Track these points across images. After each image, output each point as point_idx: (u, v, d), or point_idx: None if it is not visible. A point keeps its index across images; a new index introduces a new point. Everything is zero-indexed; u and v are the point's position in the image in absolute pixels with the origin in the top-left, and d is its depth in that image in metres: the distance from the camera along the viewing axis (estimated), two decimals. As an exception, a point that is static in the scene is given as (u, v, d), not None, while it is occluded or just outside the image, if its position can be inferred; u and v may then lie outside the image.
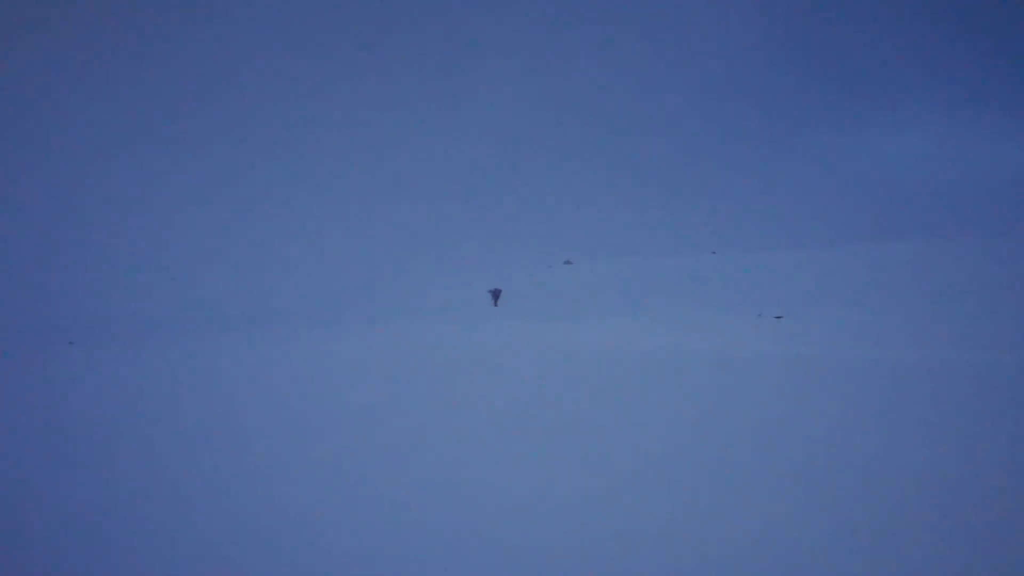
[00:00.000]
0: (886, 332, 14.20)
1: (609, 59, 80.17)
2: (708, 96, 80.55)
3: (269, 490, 5.43)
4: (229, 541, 4.52)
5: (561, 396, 8.83)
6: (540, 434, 6.86)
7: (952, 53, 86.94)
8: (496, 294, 30.15)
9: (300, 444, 6.79)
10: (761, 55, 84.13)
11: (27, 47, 61.67)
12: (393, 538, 4.46)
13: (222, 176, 58.75)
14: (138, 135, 60.27)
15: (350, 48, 74.07)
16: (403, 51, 75.44)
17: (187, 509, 5.08)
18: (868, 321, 16.01)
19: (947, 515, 4.49)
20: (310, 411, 8.41)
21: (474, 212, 58.87)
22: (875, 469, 5.40)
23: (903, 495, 4.85)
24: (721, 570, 3.93)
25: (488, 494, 5.19)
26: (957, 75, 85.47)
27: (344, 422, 7.75)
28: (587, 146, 71.66)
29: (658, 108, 77.83)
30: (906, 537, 4.21)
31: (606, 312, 22.86)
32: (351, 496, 5.24)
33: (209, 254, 46.25)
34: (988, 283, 23.30)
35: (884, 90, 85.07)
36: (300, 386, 10.38)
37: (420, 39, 76.50)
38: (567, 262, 45.39)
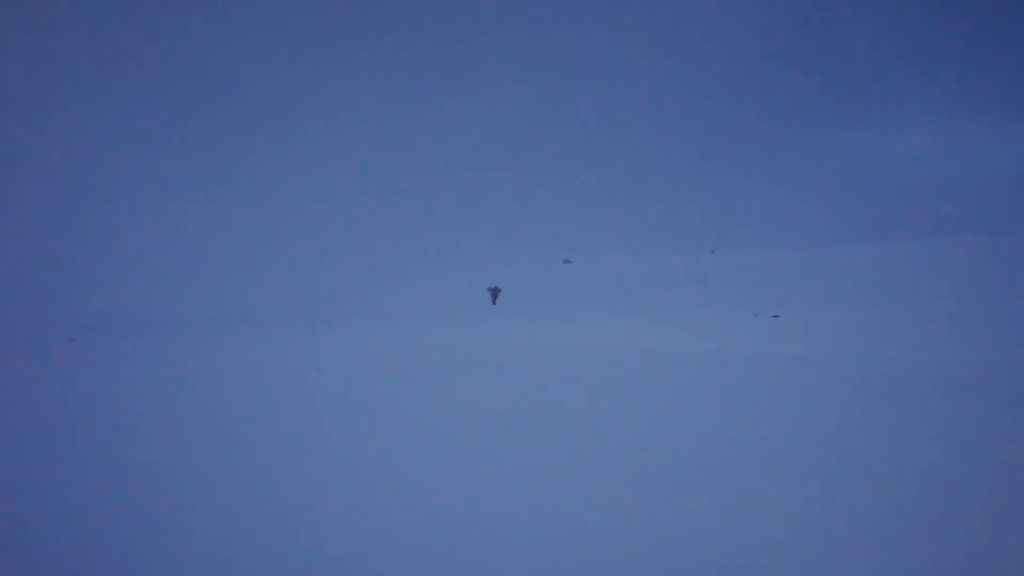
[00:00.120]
0: (884, 332, 14.20)
1: (609, 58, 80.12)
2: (707, 95, 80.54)
3: (268, 488, 5.43)
4: (229, 540, 4.51)
5: (560, 394, 8.83)
6: (539, 433, 6.86)
7: (952, 53, 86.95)
8: (495, 293, 30.14)
9: (300, 442, 6.79)
10: (761, 55, 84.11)
11: (27, 46, 61.63)
12: (393, 538, 4.46)
13: (222, 174, 58.71)
14: (137, 134, 60.24)
15: (350, 46, 74.03)
16: (403, 49, 75.40)
17: (186, 508, 5.08)
18: (866, 320, 16.01)
19: (947, 515, 4.48)
20: (309, 409, 8.41)
21: (473, 211, 58.84)
22: (874, 469, 5.40)
23: (902, 495, 4.84)
24: (720, 570, 3.93)
25: (487, 493, 5.18)
26: (957, 75, 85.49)
27: (343, 420, 7.74)
28: (587, 145, 71.64)
29: (657, 107, 77.80)
30: (905, 536, 4.20)
31: (605, 311, 22.86)
32: (351, 495, 5.24)
33: (209, 252, 46.22)
34: (988, 283, 23.32)
35: (884, 90, 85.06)
36: (299, 384, 10.38)
37: (420, 38, 76.46)
38: (566, 261, 45.38)
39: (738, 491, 5.03)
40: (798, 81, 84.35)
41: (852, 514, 4.54)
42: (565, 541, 4.32)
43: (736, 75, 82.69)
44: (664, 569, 3.95)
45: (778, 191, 66.41)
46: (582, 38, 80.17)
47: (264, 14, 73.16)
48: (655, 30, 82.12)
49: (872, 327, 14.90)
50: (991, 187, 63.68)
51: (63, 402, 9.44)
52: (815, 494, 4.92)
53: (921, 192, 64.91)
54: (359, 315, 26.47)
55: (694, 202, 63.57)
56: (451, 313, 25.88)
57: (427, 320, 22.16)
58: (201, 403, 8.98)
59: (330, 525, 4.68)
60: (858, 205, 62.39)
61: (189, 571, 4.11)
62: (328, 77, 71.51)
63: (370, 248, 49.68)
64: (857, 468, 5.43)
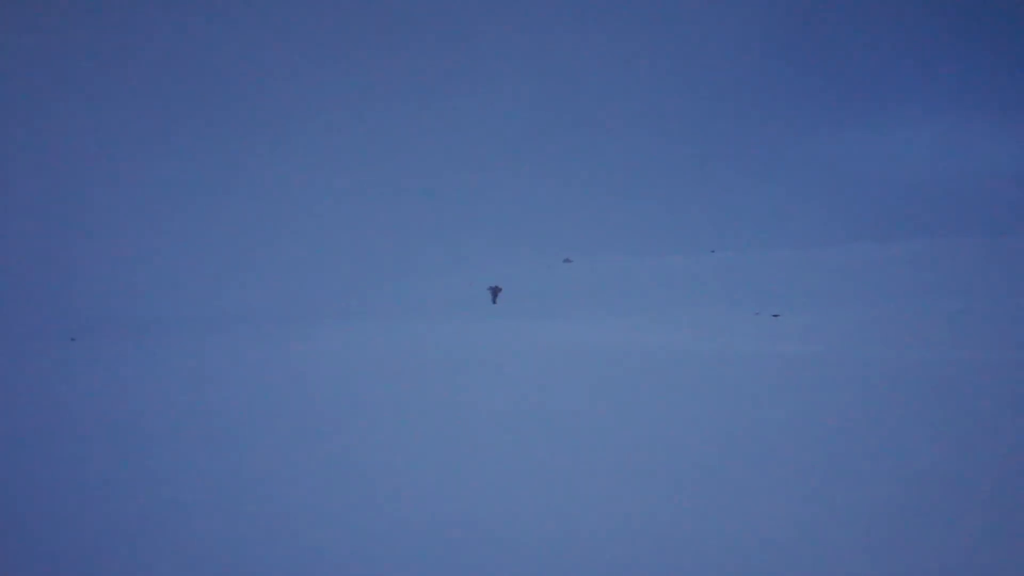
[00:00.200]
0: (884, 331, 14.21)
1: (609, 57, 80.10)
2: (707, 95, 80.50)
3: (269, 488, 5.43)
4: (229, 539, 4.51)
5: (560, 394, 8.84)
6: (539, 432, 6.86)
7: (952, 53, 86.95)
8: (495, 292, 30.14)
9: (300, 442, 6.79)
10: (761, 55, 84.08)
11: (27, 45, 61.62)
12: (393, 537, 4.46)
13: (222, 174, 58.70)
14: (137, 134, 60.22)
15: (350, 46, 74.00)
16: (403, 48, 75.37)
17: (186, 506, 5.08)
18: (865, 320, 16.02)
19: (947, 514, 4.49)
20: (309, 408, 8.42)
21: (473, 210, 58.82)
22: (873, 468, 5.40)
23: (902, 494, 4.85)
24: (720, 570, 3.93)
25: (487, 493, 5.19)
26: (957, 75, 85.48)
27: (343, 420, 7.75)
28: (586, 144, 71.61)
29: (657, 106, 77.78)
30: (905, 536, 4.21)
31: (605, 310, 22.87)
32: (351, 494, 5.24)
33: (210, 251, 46.22)
34: (988, 283, 23.31)
35: (884, 90, 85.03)
36: (299, 383, 10.38)
37: (420, 37, 76.44)
38: (566, 260, 45.40)
39: (738, 491, 5.03)
40: (798, 81, 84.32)
41: (852, 514, 4.55)
42: (565, 541, 4.32)
43: (736, 75, 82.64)
44: (664, 569, 3.96)
45: (778, 191, 66.35)
46: (582, 38, 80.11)
47: (264, 14, 73.11)
48: (655, 30, 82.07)
49: (872, 327, 14.91)
50: (991, 187, 63.63)
51: (65, 400, 9.45)
52: (815, 493, 4.92)
53: (921, 192, 64.86)
54: (359, 315, 26.47)
55: (694, 202, 63.53)
56: (451, 312, 25.90)
57: (427, 320, 22.18)
58: (202, 402, 8.98)
59: (331, 524, 4.68)
60: (858, 205, 62.35)
61: (189, 571, 4.11)
62: (328, 77, 71.47)
63: (370, 248, 49.67)
64: (857, 468, 5.43)
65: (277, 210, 55.43)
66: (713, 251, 44.19)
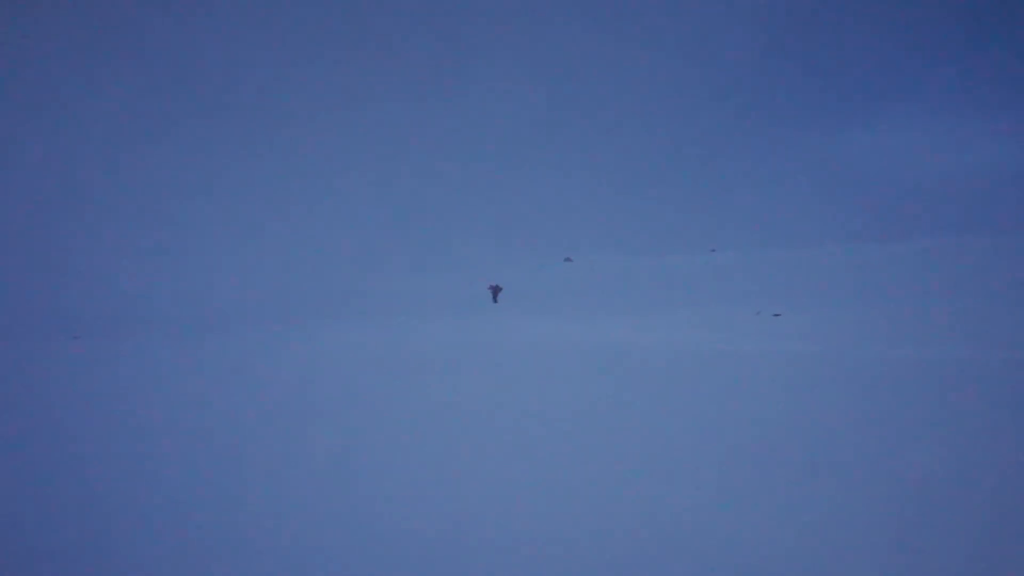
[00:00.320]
0: (884, 330, 14.21)
1: (609, 57, 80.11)
2: (708, 95, 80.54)
3: (268, 485, 5.44)
4: (228, 536, 4.52)
5: (560, 392, 8.84)
6: (539, 430, 6.87)
7: (952, 53, 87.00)
8: (496, 291, 30.15)
9: (300, 439, 6.80)
10: (761, 55, 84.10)
11: (27, 46, 61.62)
12: (392, 535, 4.47)
13: (223, 173, 58.74)
14: (138, 133, 60.25)
15: (350, 45, 74.03)
16: (403, 48, 75.38)
17: (186, 504, 5.09)
18: (866, 319, 16.02)
19: (947, 514, 4.50)
20: (309, 407, 8.42)
21: (474, 209, 58.83)
22: (874, 467, 5.41)
23: (902, 493, 4.86)
24: (721, 568, 3.94)
25: (487, 490, 5.19)
26: (957, 75, 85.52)
27: (344, 418, 7.76)
28: (587, 143, 71.65)
29: (657, 106, 77.83)
30: (905, 535, 4.21)
31: (605, 309, 22.87)
32: (351, 492, 5.25)
33: (210, 251, 46.25)
34: (988, 283, 23.32)
35: (884, 90, 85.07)
36: (299, 382, 10.39)
37: (421, 37, 76.46)
38: (567, 259, 45.43)
39: (738, 489, 5.04)
40: (798, 81, 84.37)
41: (852, 512, 4.56)
42: (566, 539, 4.33)
43: (736, 75, 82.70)
44: (665, 568, 3.97)
45: (778, 190, 66.38)
46: (583, 38, 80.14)
47: (264, 13, 73.12)
48: (655, 30, 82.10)
49: (872, 326, 14.90)
50: (991, 187, 63.63)
51: (67, 397, 9.46)
52: (815, 492, 4.93)
53: (921, 192, 64.88)
54: (359, 314, 26.48)
55: (694, 202, 63.56)
56: (452, 311, 25.91)
57: (428, 318, 22.19)
58: (203, 398, 8.99)
59: (330, 522, 4.69)
60: (858, 205, 62.35)
61: (188, 568, 4.12)
62: (328, 76, 71.48)
63: (370, 247, 49.69)
64: (857, 466, 5.44)
65: (277, 210, 55.44)
66: (713, 250, 44.22)
